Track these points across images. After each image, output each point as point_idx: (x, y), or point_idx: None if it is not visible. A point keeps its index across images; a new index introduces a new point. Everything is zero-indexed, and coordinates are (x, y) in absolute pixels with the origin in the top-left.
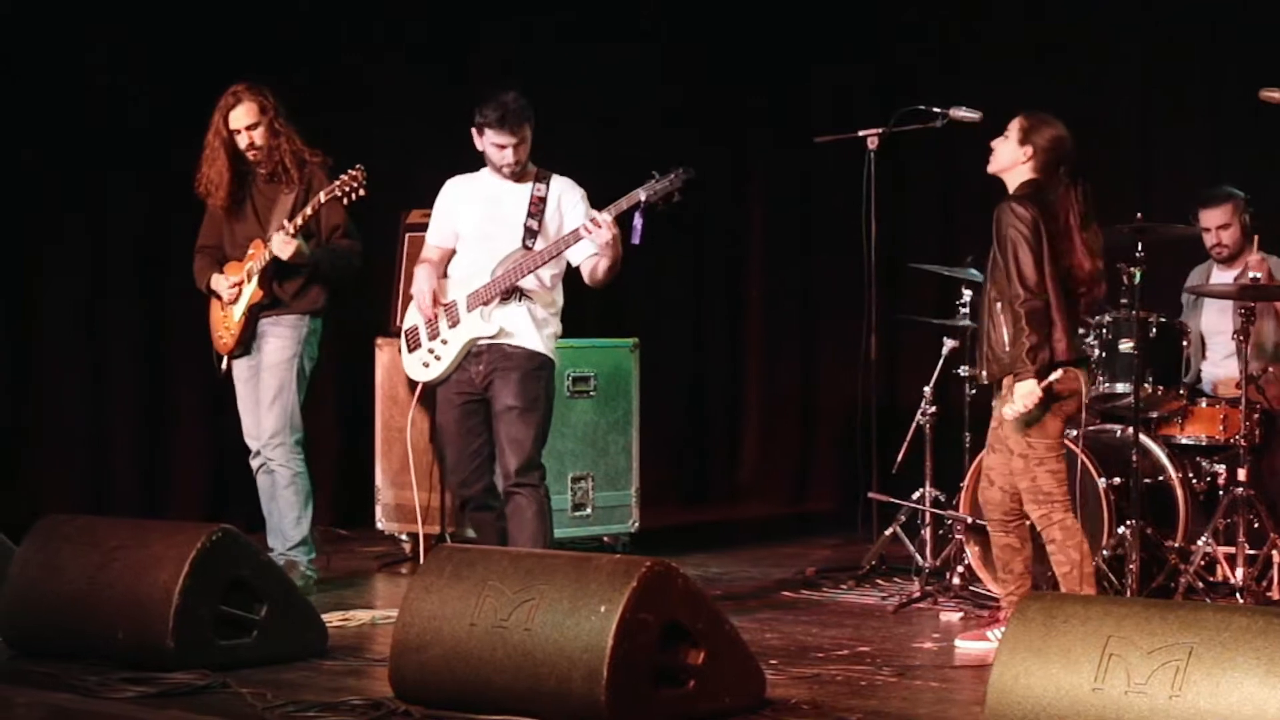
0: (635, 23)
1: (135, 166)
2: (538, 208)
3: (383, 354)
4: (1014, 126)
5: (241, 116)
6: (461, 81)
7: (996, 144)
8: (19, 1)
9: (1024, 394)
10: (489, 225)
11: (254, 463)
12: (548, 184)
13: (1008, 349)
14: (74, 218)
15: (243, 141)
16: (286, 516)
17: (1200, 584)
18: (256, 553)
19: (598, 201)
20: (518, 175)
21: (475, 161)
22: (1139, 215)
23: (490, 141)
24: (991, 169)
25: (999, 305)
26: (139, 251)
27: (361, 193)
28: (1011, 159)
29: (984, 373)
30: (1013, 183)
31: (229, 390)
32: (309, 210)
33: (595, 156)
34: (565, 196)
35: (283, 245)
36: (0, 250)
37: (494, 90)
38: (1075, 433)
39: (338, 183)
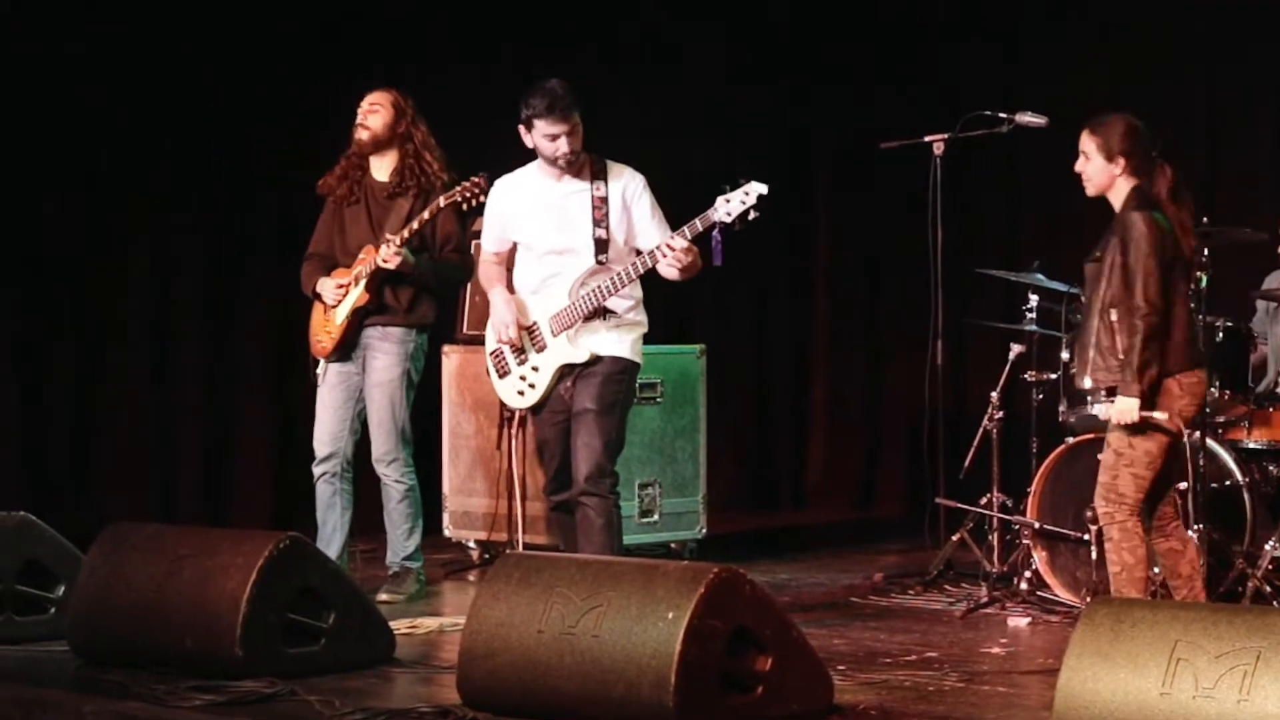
0: (700, 27)
1: (206, 173)
2: (602, 211)
3: (449, 361)
4: (1088, 145)
5: (371, 97)
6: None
7: (1081, 168)
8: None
9: (1123, 410)
10: (555, 237)
11: (316, 470)
12: (606, 179)
13: (1119, 358)
14: (147, 222)
15: (358, 118)
16: (400, 528)
17: (1268, 588)
18: (324, 560)
19: (668, 209)
20: (573, 168)
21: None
22: (1204, 219)
23: (541, 133)
24: (1092, 193)
25: (1114, 312)
26: (208, 260)
27: (482, 199)
28: (1107, 176)
29: (1087, 378)
30: (1119, 196)
31: (309, 397)
32: (425, 215)
33: (660, 160)
34: (628, 190)
35: (389, 255)
36: (70, 260)
37: (536, 82)
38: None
39: (458, 189)
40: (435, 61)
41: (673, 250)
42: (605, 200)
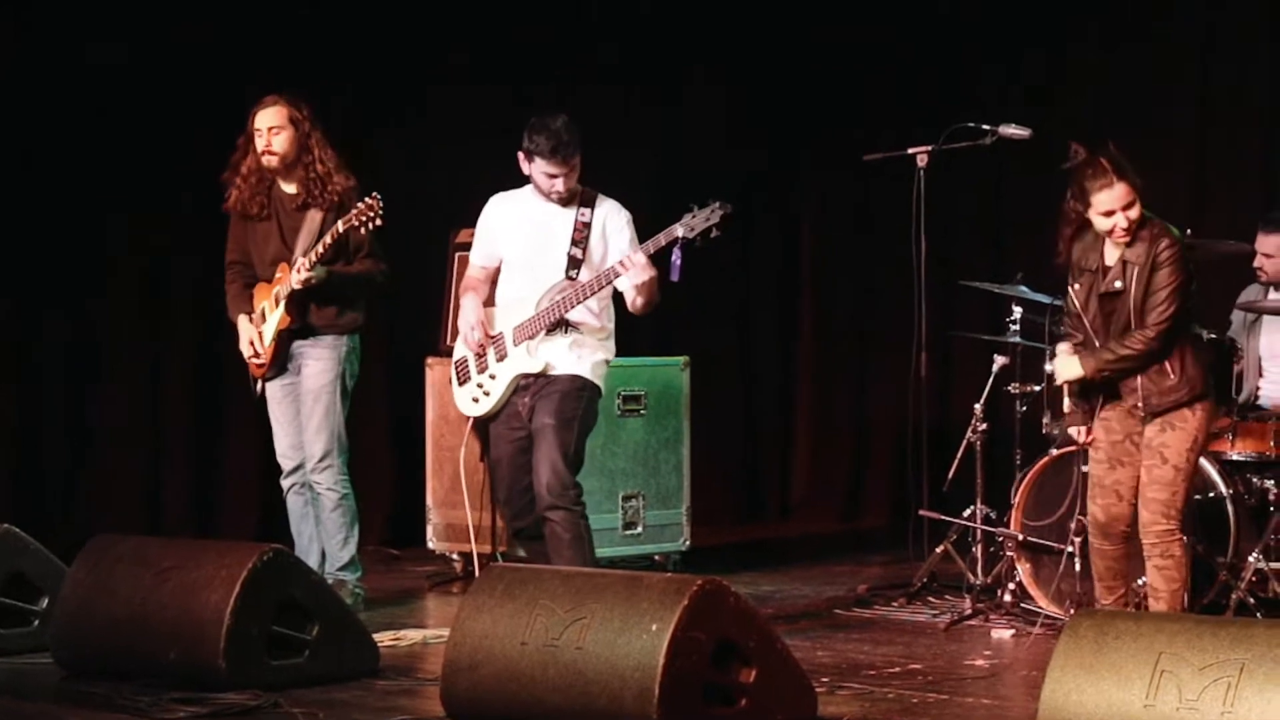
0: (689, 41)
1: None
2: (582, 234)
3: (433, 373)
4: (1131, 195)
5: (267, 118)
6: (519, 104)
7: (1128, 218)
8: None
9: None
10: (533, 253)
11: (285, 483)
12: (593, 208)
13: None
14: (137, 232)
15: (260, 143)
16: (334, 538)
17: (1251, 600)
18: (308, 572)
19: (646, 225)
20: (564, 200)
21: (525, 180)
22: (1189, 231)
23: (540, 170)
24: (1128, 237)
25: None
26: (195, 269)
27: (378, 223)
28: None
29: (1143, 404)
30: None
31: (265, 412)
32: (329, 239)
33: (647, 173)
34: (610, 221)
35: (300, 281)
36: (58, 274)
37: (544, 116)
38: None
39: (354, 212)
40: (457, 78)
41: (634, 264)
42: (588, 226)
